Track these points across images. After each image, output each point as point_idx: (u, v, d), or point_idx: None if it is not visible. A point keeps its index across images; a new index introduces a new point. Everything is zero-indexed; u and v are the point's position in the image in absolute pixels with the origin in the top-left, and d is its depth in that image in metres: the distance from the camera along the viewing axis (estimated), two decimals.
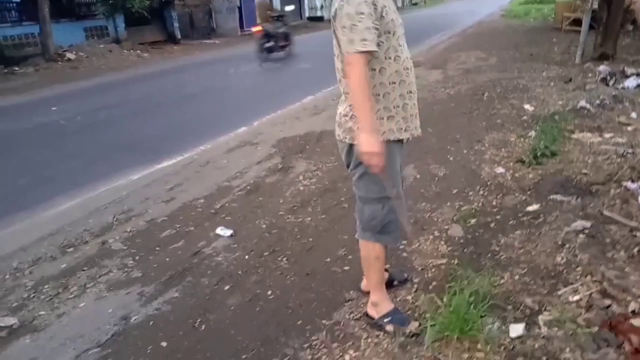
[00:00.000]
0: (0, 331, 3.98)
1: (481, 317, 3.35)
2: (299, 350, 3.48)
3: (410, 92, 3.24)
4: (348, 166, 3.42)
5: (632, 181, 5.31)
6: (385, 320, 3.57)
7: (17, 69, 17.57)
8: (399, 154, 3.31)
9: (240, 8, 31.04)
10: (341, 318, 3.75)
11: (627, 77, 10.41)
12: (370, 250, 3.52)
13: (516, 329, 3.30)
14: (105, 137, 9.45)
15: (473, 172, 6.32)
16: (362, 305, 3.81)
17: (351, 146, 3.26)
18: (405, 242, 4.49)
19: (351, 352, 3.39)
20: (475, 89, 11.10)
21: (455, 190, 5.81)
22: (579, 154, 6.42)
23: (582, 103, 8.74)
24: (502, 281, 3.91)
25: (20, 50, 18.98)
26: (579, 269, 3.94)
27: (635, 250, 4.08)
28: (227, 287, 4.31)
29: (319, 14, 38.24)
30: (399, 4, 49.77)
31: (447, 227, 4.97)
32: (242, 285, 4.33)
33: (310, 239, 5.00)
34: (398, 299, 3.87)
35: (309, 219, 5.43)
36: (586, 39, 13.11)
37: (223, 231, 5.25)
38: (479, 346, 3.19)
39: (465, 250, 4.52)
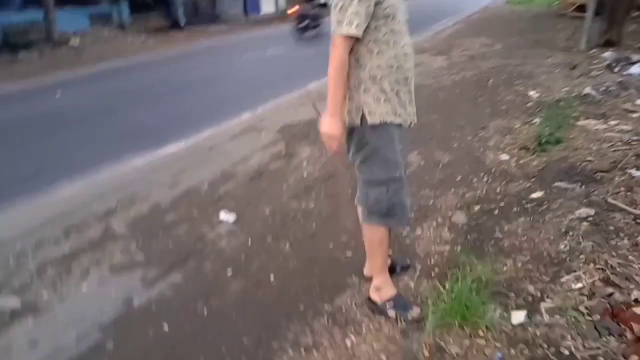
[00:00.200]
0: (3, 313, 4.00)
1: (483, 304, 3.35)
2: (300, 335, 3.48)
3: (407, 78, 3.24)
4: (349, 151, 3.42)
5: (637, 169, 5.29)
6: (388, 305, 3.57)
7: (21, 54, 17.55)
8: (397, 137, 3.29)
9: None
10: (343, 303, 3.76)
11: (632, 64, 10.36)
12: (374, 234, 3.52)
13: (518, 316, 3.30)
14: (110, 123, 9.44)
15: (477, 158, 6.31)
16: (364, 291, 3.81)
17: (351, 130, 3.27)
18: (408, 227, 4.48)
19: (353, 337, 3.40)
20: (480, 75, 11.07)
21: (459, 177, 5.80)
22: (583, 141, 6.39)
23: (587, 90, 8.70)
24: (504, 268, 3.90)
25: (25, 36, 18.92)
26: (582, 256, 3.92)
27: (639, 238, 4.07)
28: (230, 272, 4.32)
29: None
30: None
31: (450, 213, 4.96)
32: (245, 270, 4.34)
33: (314, 225, 5.00)
34: (400, 285, 3.87)
35: (313, 205, 5.43)
36: (591, 25, 13.04)
37: (226, 216, 5.26)
38: (480, 333, 3.20)
39: (468, 237, 4.51)
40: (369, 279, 3.79)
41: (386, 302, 3.59)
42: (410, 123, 3.38)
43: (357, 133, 3.25)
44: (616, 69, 10.28)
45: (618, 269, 3.67)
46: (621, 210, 4.56)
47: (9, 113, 10.54)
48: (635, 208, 4.54)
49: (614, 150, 5.98)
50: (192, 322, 3.74)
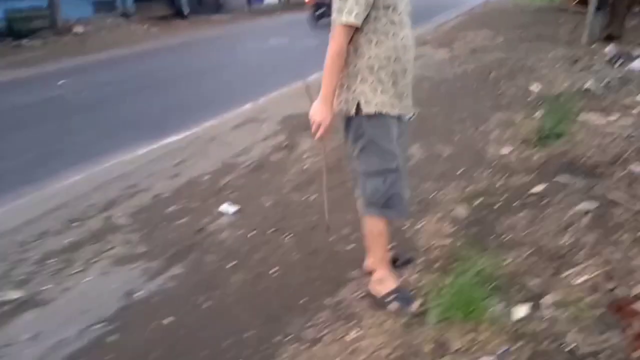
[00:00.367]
0: (6, 304, 4.00)
1: (485, 298, 3.35)
2: (302, 329, 3.48)
3: (405, 70, 3.24)
4: (347, 141, 3.44)
5: (638, 164, 5.28)
6: (389, 298, 3.57)
7: (25, 42, 17.53)
8: (395, 128, 3.31)
9: None
10: (345, 297, 3.76)
11: (633, 59, 10.33)
12: (374, 226, 3.53)
13: (520, 311, 3.30)
14: (112, 112, 9.46)
15: (478, 152, 6.30)
16: (365, 285, 3.80)
17: (348, 120, 3.30)
18: (409, 218, 4.48)
19: (354, 331, 3.39)
20: (481, 68, 11.04)
21: (460, 170, 5.79)
22: (584, 136, 6.37)
23: (589, 84, 8.67)
24: (506, 262, 3.89)
25: (29, 23, 18.90)
26: (583, 251, 3.92)
27: None
28: (231, 265, 4.32)
29: None
30: None
31: (451, 207, 4.95)
32: (246, 262, 4.34)
33: (315, 217, 4.99)
34: (402, 279, 3.87)
35: (314, 197, 5.42)
36: (593, 20, 12.97)
37: (228, 208, 5.26)
38: (482, 327, 3.19)
39: (469, 230, 4.50)
40: (369, 273, 3.80)
41: (387, 295, 3.59)
42: (413, 114, 3.39)
43: (354, 123, 3.28)
44: (617, 64, 10.24)
45: (619, 264, 3.67)
46: (622, 205, 4.56)
47: (11, 100, 10.56)
48: (635, 203, 4.54)
49: (615, 146, 5.96)
50: (193, 315, 3.74)
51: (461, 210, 4.85)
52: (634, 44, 11.91)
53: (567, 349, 2.96)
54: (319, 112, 3.16)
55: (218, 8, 29.41)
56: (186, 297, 3.94)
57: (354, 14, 2.96)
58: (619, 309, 3.19)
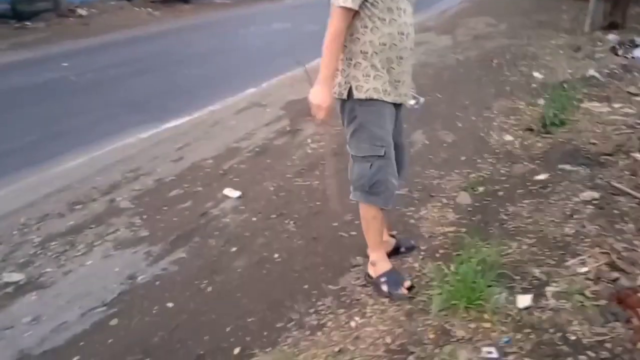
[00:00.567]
0: (7, 287, 4.02)
1: (488, 286, 3.34)
2: (304, 315, 3.49)
3: (400, 57, 3.22)
4: (343, 124, 3.45)
5: None
6: (382, 279, 3.60)
7: (28, 24, 17.42)
8: (387, 115, 3.31)
9: None
10: (347, 284, 3.76)
11: (636, 46, 10.29)
12: (365, 211, 3.55)
13: (524, 300, 3.29)
14: (115, 95, 9.43)
15: (481, 139, 6.29)
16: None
17: (343, 102, 3.31)
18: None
19: (357, 318, 3.39)
20: (484, 55, 10.99)
21: (463, 157, 5.78)
22: (587, 124, 6.36)
23: (592, 72, 8.65)
24: (509, 251, 3.88)
25: (32, 5, 18.71)
26: (587, 240, 3.91)
27: None
28: (234, 249, 4.33)
29: None
30: None
31: (455, 194, 4.94)
32: (249, 247, 4.34)
33: (318, 203, 4.99)
34: (405, 267, 3.87)
35: (317, 182, 5.41)
36: (595, 7, 12.88)
37: (231, 192, 5.26)
38: (486, 316, 3.19)
39: (473, 218, 4.50)
40: None
41: (380, 276, 3.62)
42: (417, 102, 3.39)
43: (347, 107, 3.30)
44: (620, 52, 10.19)
45: (623, 254, 3.66)
46: (626, 194, 4.55)
47: (14, 82, 10.53)
48: (639, 192, 4.53)
49: (618, 134, 5.95)
50: (196, 299, 3.75)
51: (465, 197, 4.84)
52: (636, 32, 11.86)
53: (570, 339, 2.95)
54: (318, 95, 3.14)
55: None
56: (189, 281, 3.94)
57: None
58: (623, 299, 3.17)
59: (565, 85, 7.98)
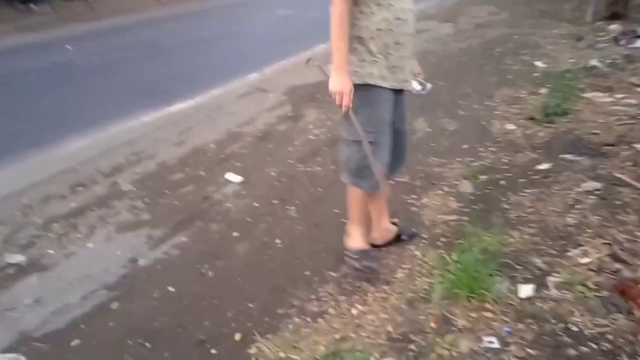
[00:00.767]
0: (9, 268, 4.02)
1: (490, 275, 3.34)
2: (306, 302, 3.51)
3: (398, 43, 3.20)
4: None
5: None
6: (355, 257, 3.71)
7: (33, 6, 17.35)
8: (383, 101, 3.30)
9: None
10: (349, 270, 3.76)
11: (638, 37, 10.26)
12: (353, 191, 3.60)
13: (525, 290, 3.29)
14: (119, 78, 9.44)
15: (483, 127, 6.27)
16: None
17: None
18: (414, 192, 4.48)
19: (358, 306, 3.41)
20: (486, 43, 10.95)
21: (465, 145, 5.77)
22: (590, 114, 6.33)
23: (594, 62, 8.61)
24: (511, 240, 3.88)
25: None
26: (589, 231, 3.90)
27: None
28: (235, 234, 4.33)
29: None
30: None
31: (457, 182, 4.94)
32: (251, 232, 4.35)
33: (319, 189, 5.00)
34: (406, 254, 3.88)
35: (319, 168, 5.42)
36: None
37: (233, 177, 5.25)
38: (487, 305, 3.20)
39: (474, 207, 4.49)
40: (373, 246, 3.87)
41: (351, 250, 3.74)
42: (424, 88, 3.39)
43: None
44: (622, 42, 10.14)
45: (625, 245, 3.66)
46: (628, 185, 4.54)
47: (19, 65, 10.53)
48: None
49: (620, 124, 5.93)
50: (197, 284, 3.76)
51: (466, 186, 4.84)
52: (639, 23, 11.82)
53: (572, 330, 2.96)
54: (337, 82, 3.12)
55: None
56: (191, 265, 3.96)
57: None
58: (625, 290, 3.18)
59: (567, 75, 7.96)
